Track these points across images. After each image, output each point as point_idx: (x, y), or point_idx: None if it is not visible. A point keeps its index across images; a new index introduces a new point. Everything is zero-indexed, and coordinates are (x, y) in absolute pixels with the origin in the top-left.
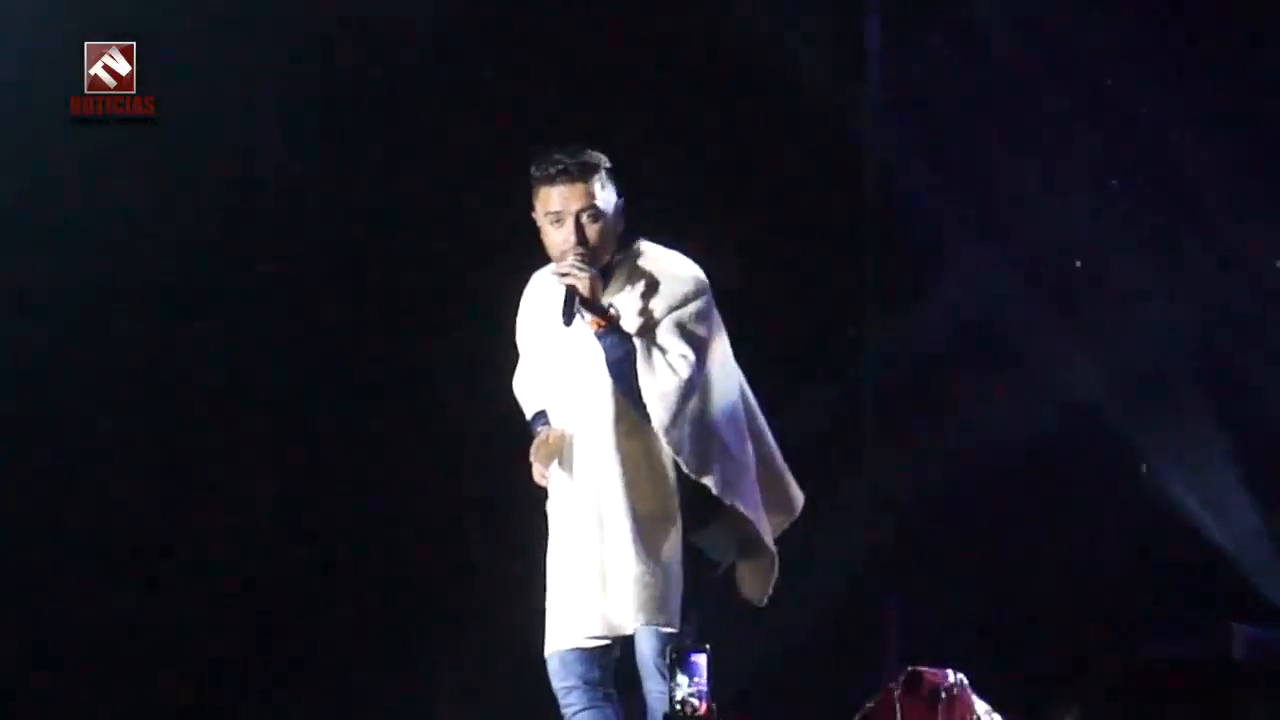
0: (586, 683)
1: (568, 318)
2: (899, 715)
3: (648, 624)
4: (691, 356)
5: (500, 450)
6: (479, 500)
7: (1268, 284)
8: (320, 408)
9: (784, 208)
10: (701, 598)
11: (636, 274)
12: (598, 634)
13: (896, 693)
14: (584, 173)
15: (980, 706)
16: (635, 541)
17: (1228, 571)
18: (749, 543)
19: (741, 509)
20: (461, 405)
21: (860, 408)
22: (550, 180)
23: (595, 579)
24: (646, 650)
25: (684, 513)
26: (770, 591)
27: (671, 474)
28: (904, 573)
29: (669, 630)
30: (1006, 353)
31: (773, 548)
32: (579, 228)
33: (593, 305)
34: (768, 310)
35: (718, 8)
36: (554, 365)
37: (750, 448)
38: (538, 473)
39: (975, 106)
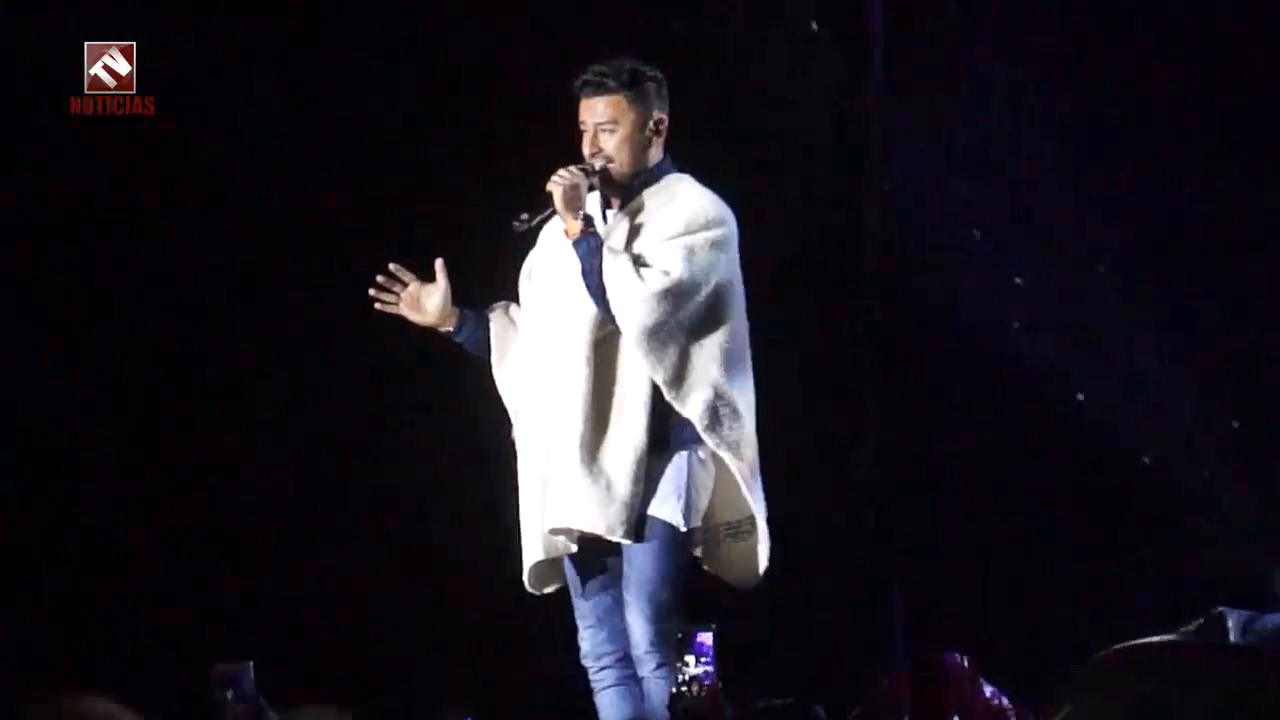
0: (619, 660)
1: (529, 215)
2: (906, 700)
3: (580, 527)
4: (676, 273)
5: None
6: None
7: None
8: (324, 405)
9: (780, 192)
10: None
11: (661, 196)
12: (558, 526)
13: (904, 677)
14: (607, 86)
15: (988, 690)
16: (581, 448)
17: (1227, 559)
18: (730, 524)
19: (728, 460)
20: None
21: (861, 391)
22: (579, 92)
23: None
24: (639, 635)
25: (649, 439)
26: (760, 577)
27: (645, 399)
28: (910, 556)
29: (617, 539)
30: (1009, 336)
31: (761, 524)
32: (594, 140)
33: (571, 211)
34: (766, 297)
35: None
36: (545, 279)
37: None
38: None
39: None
